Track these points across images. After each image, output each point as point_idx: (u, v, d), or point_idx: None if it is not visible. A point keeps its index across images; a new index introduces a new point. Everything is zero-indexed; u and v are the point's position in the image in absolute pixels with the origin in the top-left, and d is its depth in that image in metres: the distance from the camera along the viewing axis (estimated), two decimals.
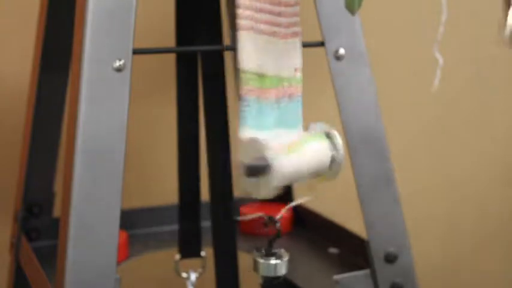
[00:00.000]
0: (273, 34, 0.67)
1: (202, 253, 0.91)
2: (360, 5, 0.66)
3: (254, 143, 0.65)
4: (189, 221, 0.90)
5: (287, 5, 0.67)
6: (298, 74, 0.69)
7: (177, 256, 0.91)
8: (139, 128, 1.19)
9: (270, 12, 0.67)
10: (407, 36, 1.34)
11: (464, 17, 1.36)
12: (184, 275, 0.94)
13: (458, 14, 1.32)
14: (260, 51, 0.67)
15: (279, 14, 0.67)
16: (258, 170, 0.64)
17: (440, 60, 0.75)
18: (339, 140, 0.68)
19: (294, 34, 0.68)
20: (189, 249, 0.91)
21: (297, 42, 0.69)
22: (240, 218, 0.95)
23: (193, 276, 0.94)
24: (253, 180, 0.65)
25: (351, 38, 0.77)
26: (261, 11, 0.66)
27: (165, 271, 1.06)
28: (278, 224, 0.71)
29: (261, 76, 0.67)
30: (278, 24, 0.67)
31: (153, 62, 1.15)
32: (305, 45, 0.74)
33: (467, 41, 1.38)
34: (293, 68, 0.68)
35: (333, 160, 0.68)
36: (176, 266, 0.92)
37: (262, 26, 0.67)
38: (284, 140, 0.66)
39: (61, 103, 0.92)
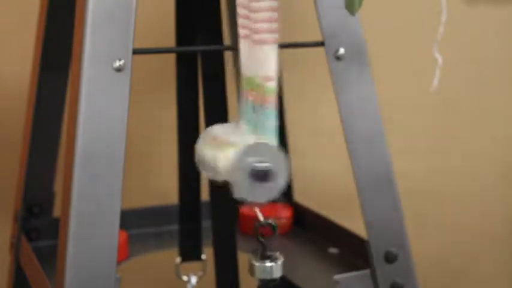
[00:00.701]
0: (246, 37, 0.67)
1: (203, 256, 0.91)
2: (360, 5, 0.66)
3: (256, 147, 0.65)
4: (190, 224, 0.90)
5: (259, 10, 0.66)
6: (269, 84, 0.66)
7: (178, 259, 0.91)
8: (140, 128, 1.19)
9: (245, 17, 0.67)
10: (407, 36, 1.34)
11: (464, 17, 1.36)
12: (185, 278, 0.94)
13: (459, 14, 1.32)
14: (244, 56, 0.67)
15: (255, 21, 0.67)
16: (265, 174, 0.65)
17: (440, 60, 0.75)
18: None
19: (261, 41, 0.67)
20: (190, 252, 0.91)
21: (269, 49, 0.67)
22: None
23: (193, 280, 0.94)
24: (253, 184, 0.65)
25: (351, 38, 0.77)
26: (257, 20, 0.67)
27: (165, 271, 1.06)
28: (274, 223, 0.72)
29: (255, 81, 0.67)
30: (250, 29, 0.67)
31: (153, 62, 1.15)
32: (305, 45, 0.74)
33: (468, 41, 1.38)
34: (263, 76, 0.67)
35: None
36: (177, 269, 0.92)
37: (244, 31, 0.67)
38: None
39: (61, 103, 0.92)
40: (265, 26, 0.66)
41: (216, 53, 0.82)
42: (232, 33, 1.06)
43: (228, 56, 0.95)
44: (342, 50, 0.76)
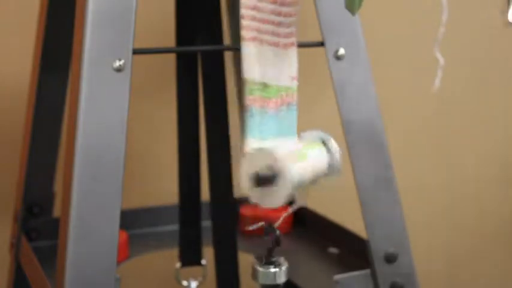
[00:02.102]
0: (275, 44, 0.68)
1: (203, 261, 0.91)
2: (360, 5, 0.66)
3: (261, 153, 0.65)
4: (190, 229, 0.90)
5: (286, 15, 0.67)
6: (295, 82, 0.69)
7: (178, 264, 0.91)
8: (140, 128, 1.19)
9: (272, 23, 0.67)
10: (407, 36, 1.34)
11: (464, 17, 1.36)
12: (184, 283, 0.94)
13: (459, 14, 1.32)
14: (263, 61, 0.67)
15: (279, 24, 0.67)
16: (268, 179, 0.65)
17: (441, 60, 0.75)
18: (335, 146, 0.69)
19: (292, 44, 0.69)
20: (190, 257, 0.91)
21: (295, 51, 0.69)
22: (246, 228, 0.96)
23: (193, 284, 0.94)
24: (261, 190, 0.65)
25: (351, 38, 0.77)
26: (263, 21, 0.67)
27: (165, 271, 1.06)
28: (278, 232, 0.71)
29: (264, 86, 0.67)
30: (278, 34, 0.68)
31: (153, 62, 1.15)
32: (305, 45, 0.74)
33: (468, 41, 1.38)
34: (291, 77, 0.69)
35: (330, 166, 0.69)
36: (177, 274, 0.92)
37: (265, 37, 0.67)
38: (288, 149, 0.67)
39: (61, 103, 0.92)
40: (294, 29, 0.68)
41: (216, 53, 0.82)
42: (233, 33, 1.06)
43: (228, 56, 0.95)
44: (342, 50, 0.76)
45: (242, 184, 0.65)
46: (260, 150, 0.65)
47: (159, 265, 1.13)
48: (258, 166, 0.65)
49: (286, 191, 0.64)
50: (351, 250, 0.89)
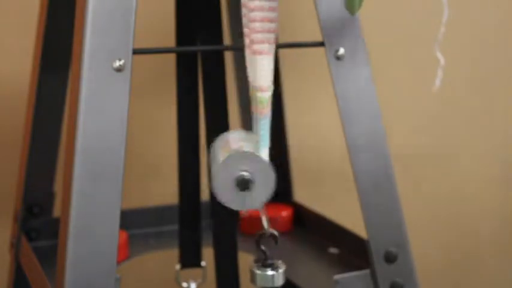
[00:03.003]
0: (247, 48, 0.67)
1: (203, 263, 0.91)
2: (360, 5, 0.66)
3: (242, 155, 0.65)
4: (189, 231, 0.90)
5: (271, 21, 0.66)
6: (266, 94, 0.67)
7: (178, 266, 0.91)
8: (139, 128, 1.19)
9: (268, 31, 0.67)
10: (407, 36, 1.34)
11: (464, 17, 1.36)
12: (184, 284, 0.94)
13: (459, 14, 1.32)
14: (250, 67, 0.67)
15: (268, 31, 0.67)
16: (251, 181, 0.65)
17: (442, 60, 0.75)
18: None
19: (258, 52, 0.67)
20: (190, 259, 0.91)
21: (271, 59, 0.67)
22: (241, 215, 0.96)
23: (193, 286, 0.94)
24: (242, 193, 0.65)
25: (351, 38, 0.77)
26: (259, 31, 0.67)
27: (165, 271, 1.06)
28: (275, 232, 0.72)
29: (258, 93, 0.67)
30: (261, 41, 0.67)
31: (153, 62, 1.15)
32: (305, 45, 0.74)
33: (468, 41, 1.38)
34: (267, 85, 0.67)
35: None
36: (177, 276, 0.92)
37: (257, 46, 0.67)
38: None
39: (61, 103, 0.92)
40: (270, 36, 0.66)
41: (216, 53, 0.82)
42: (233, 33, 1.06)
43: (228, 56, 0.95)
44: (342, 50, 0.76)
45: (219, 191, 0.66)
46: (242, 153, 0.65)
47: (159, 265, 1.13)
48: (239, 169, 0.65)
49: (270, 191, 0.65)
50: (351, 250, 0.89)
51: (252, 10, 0.65)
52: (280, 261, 0.73)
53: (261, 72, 0.67)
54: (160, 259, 1.01)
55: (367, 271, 0.79)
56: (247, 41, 0.67)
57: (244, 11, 0.66)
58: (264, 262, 0.73)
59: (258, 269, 0.72)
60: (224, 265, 0.86)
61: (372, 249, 0.78)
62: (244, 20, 0.66)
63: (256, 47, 0.66)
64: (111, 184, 0.67)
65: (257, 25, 0.66)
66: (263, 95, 0.67)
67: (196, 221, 0.90)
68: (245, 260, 0.89)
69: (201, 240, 0.90)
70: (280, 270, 0.72)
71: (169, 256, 0.95)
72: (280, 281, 0.72)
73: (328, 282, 0.84)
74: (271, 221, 0.90)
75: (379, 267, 0.78)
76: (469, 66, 1.40)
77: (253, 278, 0.73)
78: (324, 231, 0.97)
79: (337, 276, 0.78)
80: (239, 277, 0.87)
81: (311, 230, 1.00)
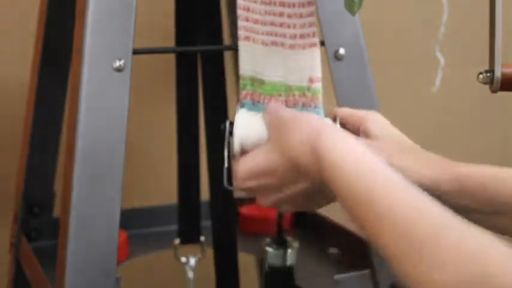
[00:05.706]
0: (274, 44, 0.67)
1: (201, 238, 0.91)
2: (360, 5, 0.66)
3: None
4: (189, 208, 0.90)
5: (290, 16, 0.67)
6: (314, 85, 0.68)
7: (177, 241, 0.91)
8: (139, 128, 1.19)
9: (271, 24, 0.67)
10: (408, 36, 1.34)
11: (464, 17, 1.36)
12: (183, 259, 0.94)
13: (459, 14, 1.32)
14: (258, 59, 0.67)
15: (281, 25, 0.67)
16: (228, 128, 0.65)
17: (442, 60, 0.75)
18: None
19: (301, 45, 0.68)
20: (188, 234, 0.91)
21: (307, 53, 0.68)
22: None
23: (192, 261, 0.94)
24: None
25: (351, 38, 0.77)
26: (259, 22, 0.67)
27: (165, 271, 1.06)
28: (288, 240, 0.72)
29: (259, 82, 0.68)
30: (280, 35, 0.67)
31: (153, 62, 1.15)
32: None
33: (468, 40, 1.38)
34: (306, 78, 0.68)
35: None
36: (175, 251, 0.92)
37: (261, 37, 0.67)
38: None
39: (61, 103, 0.92)
40: (310, 30, 0.67)
41: (216, 53, 0.82)
42: (233, 33, 1.06)
43: (228, 56, 0.95)
44: (342, 50, 0.76)
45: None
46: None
47: (159, 265, 1.13)
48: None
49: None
50: (351, 250, 0.89)
51: (303, 6, 0.67)
52: (293, 239, 0.72)
53: (318, 63, 0.68)
54: (160, 259, 1.01)
55: (367, 271, 0.79)
56: (296, 34, 0.67)
57: (289, 11, 0.67)
58: (279, 237, 0.71)
59: (270, 246, 0.71)
60: (224, 265, 0.86)
61: (372, 249, 0.78)
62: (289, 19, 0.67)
63: (311, 40, 0.67)
64: (110, 184, 0.67)
65: (308, 20, 0.67)
66: (319, 85, 0.68)
67: (195, 199, 0.89)
68: (245, 260, 0.89)
69: (200, 215, 0.90)
70: (293, 248, 0.71)
71: (170, 256, 0.95)
72: (292, 259, 0.71)
73: (328, 282, 0.84)
74: (271, 221, 0.90)
75: (379, 267, 0.78)
76: (469, 67, 1.40)
77: (263, 255, 0.71)
78: (324, 231, 0.97)
79: (337, 276, 0.78)
80: (239, 277, 0.87)
81: (311, 230, 1.00)
